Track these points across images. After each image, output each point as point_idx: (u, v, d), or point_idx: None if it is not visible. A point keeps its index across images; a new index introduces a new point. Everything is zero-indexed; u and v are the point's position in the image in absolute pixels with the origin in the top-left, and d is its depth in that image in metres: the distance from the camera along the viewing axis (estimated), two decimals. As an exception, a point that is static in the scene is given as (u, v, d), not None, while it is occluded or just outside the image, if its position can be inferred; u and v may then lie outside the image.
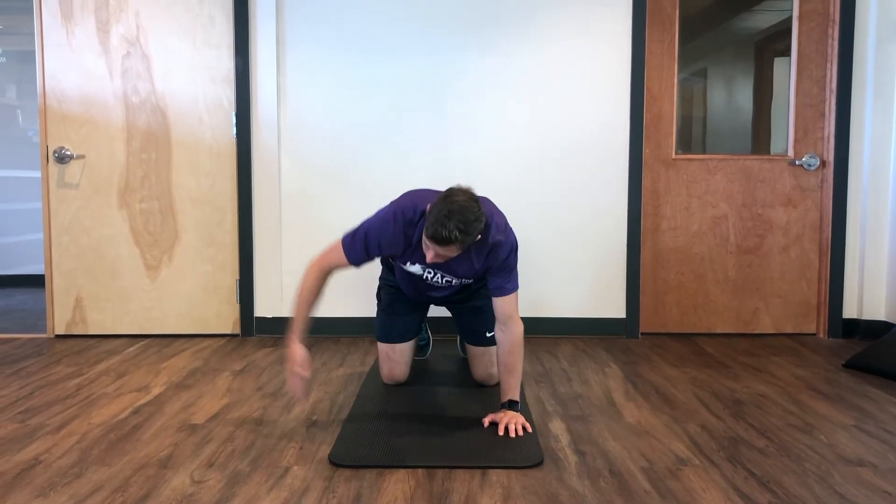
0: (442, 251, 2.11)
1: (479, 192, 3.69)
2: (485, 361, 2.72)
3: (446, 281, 2.47)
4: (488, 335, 2.67)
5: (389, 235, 2.29)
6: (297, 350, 2.29)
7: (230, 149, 3.62)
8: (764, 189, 3.71)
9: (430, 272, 2.44)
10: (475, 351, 2.73)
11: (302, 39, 3.60)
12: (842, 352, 3.39)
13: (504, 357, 2.34)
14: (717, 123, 3.84)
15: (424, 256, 2.25)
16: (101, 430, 2.29)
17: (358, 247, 2.31)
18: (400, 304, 2.74)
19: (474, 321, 2.71)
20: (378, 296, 2.85)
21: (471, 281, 2.51)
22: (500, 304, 2.32)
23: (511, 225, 2.40)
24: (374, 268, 3.47)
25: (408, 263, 2.43)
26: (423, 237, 2.12)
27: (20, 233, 5.62)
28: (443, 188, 3.65)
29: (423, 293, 2.62)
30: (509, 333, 2.33)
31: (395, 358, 2.73)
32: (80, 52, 3.57)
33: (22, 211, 5.60)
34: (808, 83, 3.67)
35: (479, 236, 2.19)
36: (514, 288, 2.33)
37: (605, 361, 3.21)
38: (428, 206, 2.14)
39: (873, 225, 3.62)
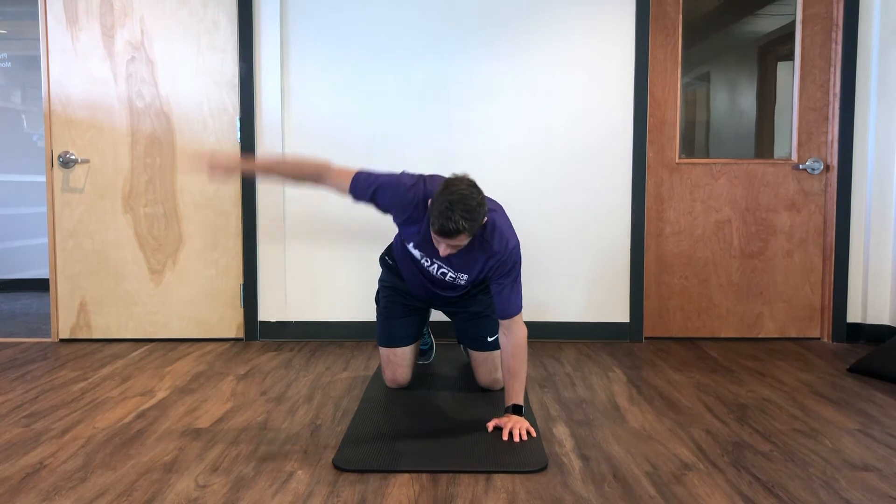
0: (452, 242, 2.13)
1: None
2: (489, 367, 2.71)
3: (441, 272, 2.47)
4: (490, 340, 2.67)
5: (403, 198, 2.31)
6: (228, 158, 2.42)
7: (234, 153, 3.62)
8: (767, 193, 3.71)
9: (427, 260, 2.46)
10: (478, 357, 2.72)
11: (306, 43, 3.61)
12: (846, 356, 3.38)
13: (508, 361, 2.34)
14: (721, 128, 3.84)
15: (426, 240, 2.32)
16: (105, 435, 2.29)
17: (367, 187, 2.34)
18: (398, 306, 2.74)
19: (475, 327, 2.70)
20: (377, 299, 2.85)
21: (464, 284, 2.51)
22: (504, 316, 2.35)
23: (515, 229, 2.41)
24: (376, 272, 3.48)
25: (411, 245, 2.46)
26: (432, 232, 2.15)
27: (25, 237, 5.64)
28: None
29: (422, 284, 2.61)
30: (512, 337, 2.33)
31: (397, 362, 2.73)
32: (85, 56, 3.58)
33: (27, 215, 5.62)
34: (812, 87, 3.67)
35: (486, 226, 2.25)
36: (520, 307, 2.36)
37: (608, 366, 3.21)
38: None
39: (877, 229, 3.61)
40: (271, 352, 3.45)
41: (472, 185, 2.13)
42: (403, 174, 2.37)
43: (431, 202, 2.13)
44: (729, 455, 2.13)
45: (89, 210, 3.63)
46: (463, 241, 2.15)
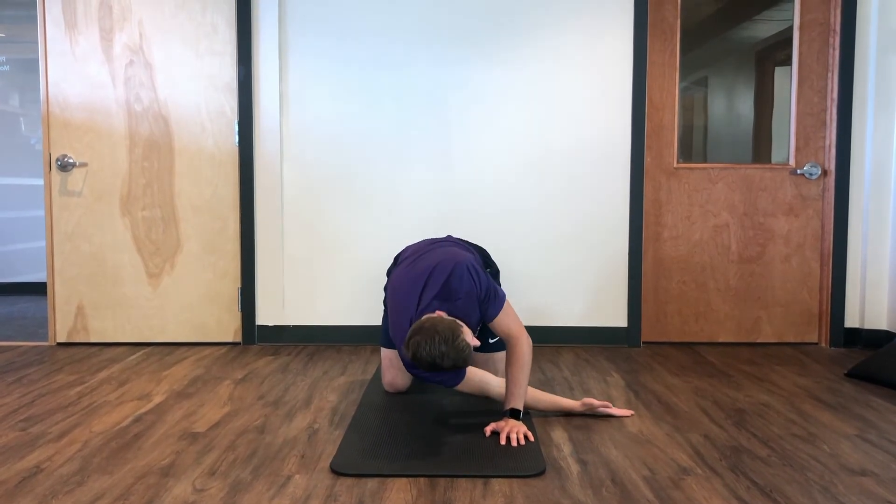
0: (472, 339, 2.18)
1: (478, 200, 3.69)
2: (489, 368, 2.71)
3: None
4: (491, 341, 2.67)
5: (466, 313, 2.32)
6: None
7: (232, 157, 3.63)
8: (765, 198, 3.71)
9: None
10: (479, 358, 2.72)
11: (305, 48, 3.61)
12: (844, 361, 3.38)
13: (508, 368, 2.34)
14: (718, 132, 3.85)
15: None
16: (102, 439, 2.28)
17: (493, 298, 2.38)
18: None
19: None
20: (385, 302, 2.85)
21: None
22: (494, 326, 2.35)
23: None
24: (373, 275, 3.48)
25: None
26: None
27: (22, 240, 5.63)
28: (440, 201, 3.65)
29: None
30: (514, 348, 2.34)
31: (398, 365, 2.73)
32: (84, 60, 3.58)
33: (24, 219, 5.61)
34: (810, 92, 3.68)
35: (451, 298, 2.30)
36: (501, 304, 2.37)
37: (606, 370, 3.20)
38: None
39: (875, 234, 3.62)
40: (269, 356, 3.45)
41: (418, 333, 2.11)
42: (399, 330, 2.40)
43: (442, 361, 2.12)
44: (727, 460, 2.13)
45: (87, 213, 3.63)
46: (471, 332, 2.20)
